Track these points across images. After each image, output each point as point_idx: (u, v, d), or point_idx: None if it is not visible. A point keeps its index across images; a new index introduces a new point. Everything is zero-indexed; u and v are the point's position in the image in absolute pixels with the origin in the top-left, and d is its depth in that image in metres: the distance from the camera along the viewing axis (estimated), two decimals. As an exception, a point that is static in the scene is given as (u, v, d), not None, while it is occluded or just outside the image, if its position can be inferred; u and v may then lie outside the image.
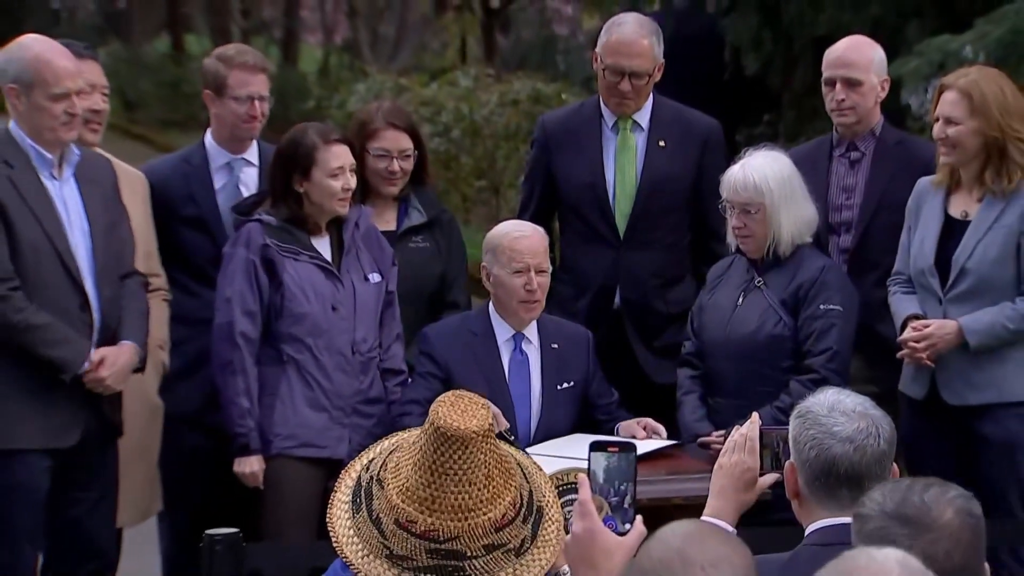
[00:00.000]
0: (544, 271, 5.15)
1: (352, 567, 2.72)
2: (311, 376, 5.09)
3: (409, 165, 5.52)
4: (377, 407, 5.20)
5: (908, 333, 5.14)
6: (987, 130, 5.05)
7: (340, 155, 5.11)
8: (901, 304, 5.25)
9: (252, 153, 5.57)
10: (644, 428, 5.17)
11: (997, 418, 5.10)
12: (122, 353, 4.94)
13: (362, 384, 5.16)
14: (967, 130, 5.07)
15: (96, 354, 4.88)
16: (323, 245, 5.19)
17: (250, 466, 5.04)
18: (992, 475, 5.08)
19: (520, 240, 5.15)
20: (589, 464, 3.11)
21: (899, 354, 5.18)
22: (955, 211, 5.20)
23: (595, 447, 3.13)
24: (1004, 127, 5.06)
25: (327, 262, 5.16)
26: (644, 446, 4.96)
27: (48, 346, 4.83)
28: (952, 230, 5.18)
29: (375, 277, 5.23)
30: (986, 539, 5.26)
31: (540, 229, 5.26)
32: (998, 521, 4.93)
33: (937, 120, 5.13)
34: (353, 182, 5.15)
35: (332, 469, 5.03)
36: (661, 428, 5.18)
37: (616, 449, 3.13)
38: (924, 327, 5.12)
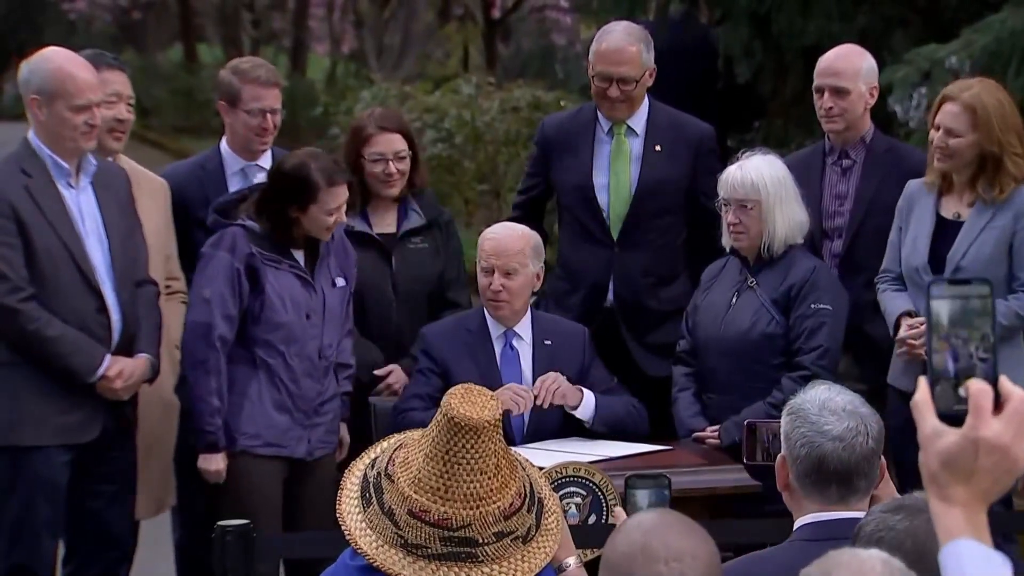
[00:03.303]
0: (512, 273, 5.20)
1: (368, 558, 2.82)
2: (280, 380, 5.14)
3: (405, 166, 5.57)
4: (333, 404, 5.27)
5: (904, 331, 5.21)
6: (986, 144, 5.15)
7: (339, 196, 5.12)
8: (893, 301, 5.33)
9: (266, 160, 5.63)
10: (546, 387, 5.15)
11: None
12: (138, 366, 5.03)
13: (323, 387, 5.23)
14: (967, 143, 5.17)
15: (114, 367, 4.96)
16: (299, 253, 5.23)
17: (215, 463, 5.09)
18: None
19: (487, 240, 5.26)
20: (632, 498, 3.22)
21: (897, 351, 5.25)
22: (947, 212, 5.29)
23: (633, 483, 3.23)
24: (1003, 142, 5.15)
25: (304, 270, 5.20)
26: (641, 447, 5.15)
27: (61, 357, 4.90)
28: (944, 230, 5.26)
29: (340, 281, 5.28)
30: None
31: (520, 231, 5.31)
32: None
33: (937, 129, 5.21)
34: (344, 216, 5.18)
35: (291, 465, 5.18)
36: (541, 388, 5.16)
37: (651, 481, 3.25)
38: (920, 324, 5.16)
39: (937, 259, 5.23)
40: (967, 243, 5.22)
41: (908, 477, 5.19)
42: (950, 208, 5.30)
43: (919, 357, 5.17)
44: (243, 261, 5.12)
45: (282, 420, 5.16)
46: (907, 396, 5.47)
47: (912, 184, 5.40)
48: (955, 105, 5.20)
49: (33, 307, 4.89)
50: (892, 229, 5.41)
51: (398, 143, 5.58)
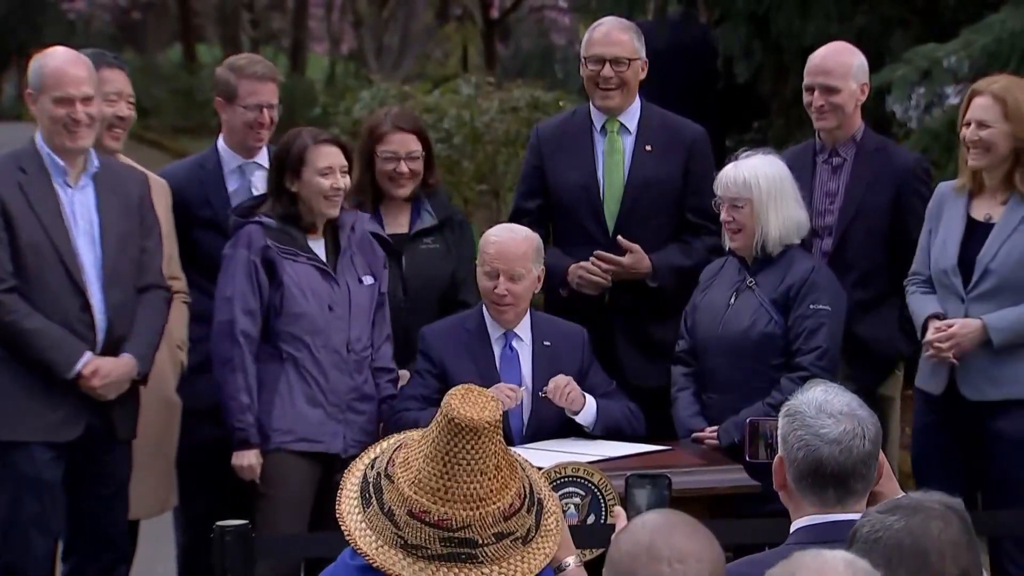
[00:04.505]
0: (516, 277, 5.19)
1: (368, 558, 2.83)
2: (308, 373, 5.19)
3: (418, 167, 5.60)
4: (369, 404, 5.31)
5: (932, 333, 5.20)
6: (1020, 134, 5.15)
7: (329, 155, 5.20)
8: (921, 304, 5.32)
9: (263, 157, 5.64)
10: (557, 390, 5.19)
11: (1012, 415, 5.15)
12: (119, 365, 4.99)
13: (356, 382, 5.26)
14: (1000, 133, 5.15)
15: (91, 364, 4.94)
16: (319, 247, 5.29)
17: (248, 459, 5.14)
18: (1003, 470, 5.16)
19: (490, 244, 5.26)
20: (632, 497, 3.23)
21: (925, 355, 5.25)
22: (978, 214, 5.27)
23: (634, 483, 3.25)
24: None
25: (324, 263, 5.25)
26: (640, 447, 5.16)
27: (38, 350, 4.90)
28: (975, 232, 5.25)
29: (368, 279, 5.33)
30: (993, 530, 5.35)
31: (524, 233, 5.30)
32: (1007, 514, 5.02)
33: (968, 124, 5.20)
34: (344, 183, 5.23)
35: (327, 463, 5.18)
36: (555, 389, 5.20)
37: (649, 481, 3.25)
38: (948, 327, 5.18)
39: (966, 261, 5.23)
40: (998, 244, 5.20)
41: (922, 479, 5.20)
42: (981, 210, 5.28)
43: (947, 360, 5.19)
44: (259, 254, 5.18)
45: (315, 414, 5.19)
46: (933, 399, 5.50)
47: (943, 187, 5.40)
48: (985, 98, 5.20)
49: (13, 299, 4.90)
50: (922, 232, 5.41)
51: (412, 144, 5.61)
